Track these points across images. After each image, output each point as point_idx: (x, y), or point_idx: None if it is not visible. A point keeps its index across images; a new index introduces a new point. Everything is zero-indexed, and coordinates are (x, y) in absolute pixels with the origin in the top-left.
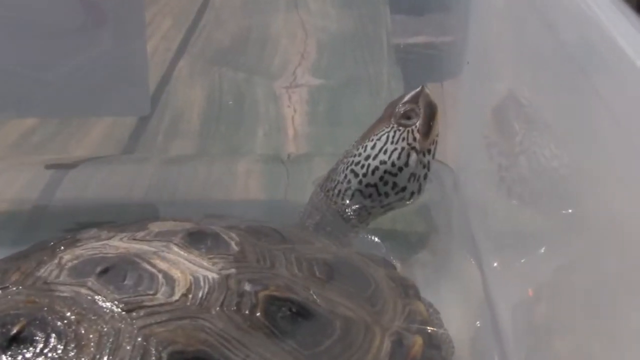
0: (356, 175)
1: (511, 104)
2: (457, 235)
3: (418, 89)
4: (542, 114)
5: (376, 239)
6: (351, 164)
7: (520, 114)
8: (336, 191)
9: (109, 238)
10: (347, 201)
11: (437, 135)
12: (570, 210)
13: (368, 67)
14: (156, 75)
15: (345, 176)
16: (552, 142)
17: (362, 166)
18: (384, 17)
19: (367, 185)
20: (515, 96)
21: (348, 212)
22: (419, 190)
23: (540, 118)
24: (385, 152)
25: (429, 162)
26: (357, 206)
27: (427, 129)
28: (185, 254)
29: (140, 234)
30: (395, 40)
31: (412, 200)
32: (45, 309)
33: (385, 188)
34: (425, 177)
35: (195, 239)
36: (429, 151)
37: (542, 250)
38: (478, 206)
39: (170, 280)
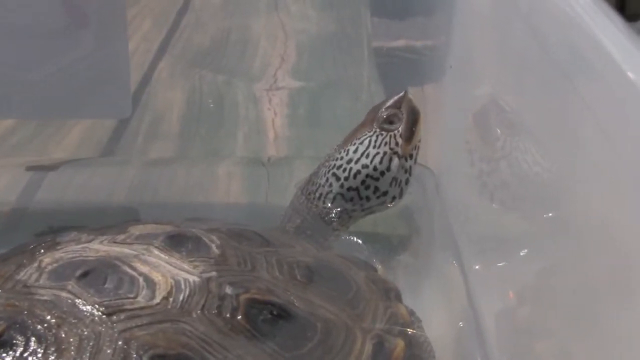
0: (338, 178)
1: (493, 109)
2: (439, 239)
3: (401, 94)
4: (525, 119)
5: (357, 242)
6: (333, 168)
7: (501, 119)
8: (317, 194)
9: (89, 241)
10: (329, 204)
11: (419, 141)
12: (551, 215)
13: (348, 69)
14: (136, 77)
15: (327, 179)
16: (534, 148)
17: (344, 170)
18: (365, 19)
19: (349, 189)
20: (497, 101)
21: (329, 215)
22: (401, 195)
23: (523, 123)
24: (367, 156)
25: (410, 167)
26: (338, 209)
27: (410, 134)
28: (166, 257)
29: (120, 237)
30: (376, 43)
31: (393, 204)
32: (25, 312)
33: (367, 192)
34: (407, 181)
35: (176, 242)
36: (410, 156)
37: (524, 254)
38: (460, 210)
39: (151, 284)
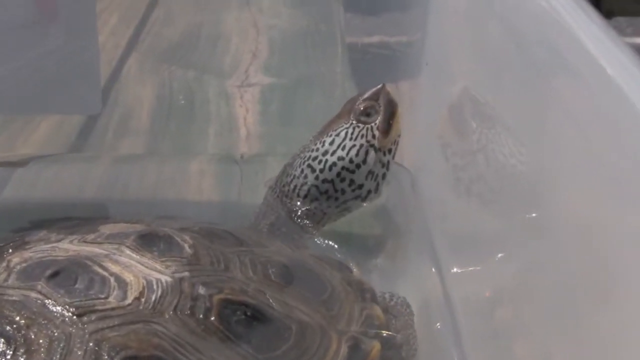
0: (313, 170)
1: (467, 102)
2: (416, 239)
3: (379, 86)
4: (501, 114)
5: (332, 243)
6: (308, 159)
7: (476, 112)
8: (292, 186)
9: (59, 240)
10: (302, 198)
11: (398, 136)
12: (531, 212)
13: (321, 66)
14: (105, 72)
15: (302, 171)
16: (511, 140)
17: (320, 161)
18: (338, 15)
19: (324, 181)
20: (472, 94)
21: (303, 209)
22: (376, 190)
23: (499, 117)
24: (343, 149)
25: (388, 162)
26: (313, 205)
27: (387, 127)
28: (138, 257)
29: (91, 236)
30: (350, 39)
31: (368, 199)
32: None
33: (342, 185)
34: (384, 176)
35: (148, 242)
36: (389, 151)
37: (502, 253)
38: (437, 208)
39: (122, 284)
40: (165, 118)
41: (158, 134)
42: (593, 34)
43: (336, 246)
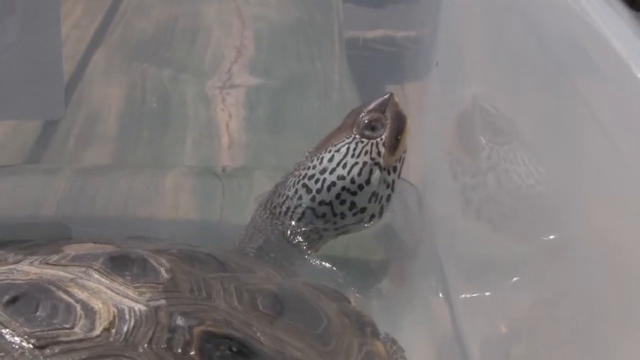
0: (309, 190)
1: (480, 112)
2: (422, 263)
3: (385, 96)
4: (516, 124)
5: (329, 265)
6: (304, 178)
7: (488, 124)
8: (284, 208)
9: (17, 262)
10: (296, 221)
11: (404, 152)
12: (548, 235)
13: (316, 64)
14: (67, 70)
15: (296, 191)
16: (527, 157)
17: (317, 181)
18: (336, 5)
19: (321, 202)
20: (486, 102)
21: (297, 234)
22: (381, 213)
23: (513, 129)
24: (344, 166)
25: (393, 182)
26: (307, 228)
27: (394, 143)
28: (108, 282)
29: (53, 258)
30: (349, 34)
31: (371, 223)
32: None
33: (342, 208)
34: (389, 198)
35: (119, 265)
36: (394, 169)
37: (518, 280)
38: (445, 230)
39: (90, 312)
40: (136, 124)
41: (128, 142)
42: (620, 30)
43: (334, 268)
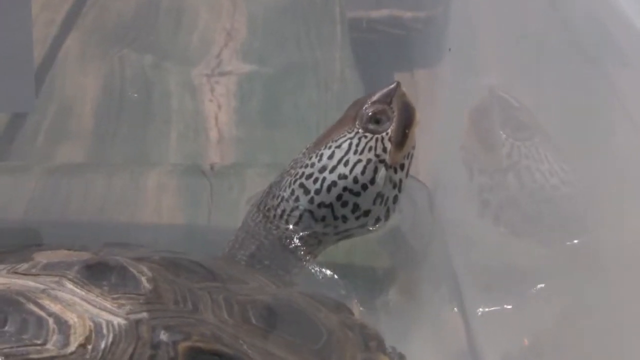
0: (307, 191)
1: (498, 103)
2: (434, 271)
3: (392, 86)
4: (539, 118)
5: (330, 273)
6: (301, 177)
7: (507, 119)
8: (279, 211)
9: None
10: (292, 225)
11: (413, 147)
12: (577, 240)
13: (315, 50)
14: (36, 58)
15: (293, 192)
16: (551, 154)
17: (315, 180)
18: None
19: (321, 205)
20: (502, 95)
21: (293, 239)
22: (387, 216)
23: (535, 123)
24: (346, 164)
25: (400, 181)
26: (305, 232)
27: (402, 138)
28: (83, 293)
29: (23, 266)
30: (352, 15)
31: (376, 227)
32: None
33: (344, 210)
34: (395, 199)
35: (96, 274)
36: (401, 167)
37: (543, 291)
38: (460, 235)
39: (64, 327)
40: (114, 117)
41: (105, 138)
42: None
43: (335, 277)
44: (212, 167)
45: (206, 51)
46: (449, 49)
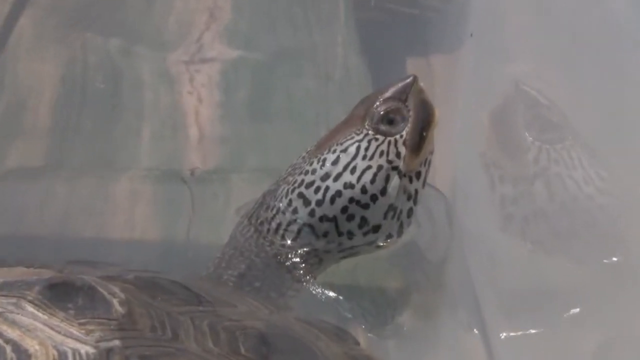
0: (307, 202)
1: (525, 99)
2: (452, 292)
3: (407, 80)
4: (573, 117)
5: (332, 294)
6: (300, 186)
7: (533, 118)
8: (274, 225)
9: None
10: (289, 241)
11: (431, 153)
12: (615, 258)
13: (313, 32)
14: None
15: (290, 203)
16: (586, 159)
17: (317, 189)
18: None
19: (323, 218)
20: (527, 90)
21: (290, 258)
22: (399, 233)
23: (567, 123)
24: (353, 171)
25: (416, 192)
26: (304, 249)
27: (418, 141)
28: (46, 317)
29: None
30: None
31: (386, 244)
32: None
33: (349, 225)
34: (410, 213)
35: (60, 295)
36: (417, 175)
37: (577, 314)
38: (482, 250)
39: (23, 356)
40: (77, 112)
41: (66, 137)
42: None
43: (339, 298)
44: (192, 172)
45: (185, 34)
46: (471, 34)
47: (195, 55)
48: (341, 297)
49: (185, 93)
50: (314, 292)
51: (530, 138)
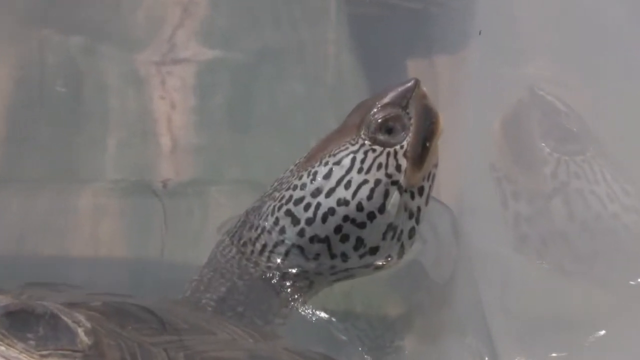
0: (295, 220)
1: (535, 109)
2: (460, 315)
3: (408, 84)
4: (596, 126)
5: (325, 315)
6: (288, 202)
7: (550, 126)
8: (258, 246)
9: None
10: (278, 260)
11: (435, 166)
12: None
13: (300, 29)
14: None
15: (277, 221)
16: (610, 173)
17: (307, 206)
18: None
19: (314, 239)
20: (543, 96)
21: (277, 280)
22: (399, 254)
23: (589, 132)
24: (347, 186)
25: (419, 210)
26: (293, 271)
27: (421, 152)
28: (3, 348)
29: None
30: None
31: (385, 267)
32: None
33: (344, 246)
34: (412, 233)
35: (19, 323)
36: (420, 191)
37: (600, 341)
38: (492, 270)
39: None
40: (34, 118)
41: (22, 146)
42: None
43: (333, 320)
44: (164, 185)
45: (155, 31)
46: (479, 32)
47: (167, 55)
48: (334, 319)
49: (156, 97)
50: (305, 312)
51: (548, 149)
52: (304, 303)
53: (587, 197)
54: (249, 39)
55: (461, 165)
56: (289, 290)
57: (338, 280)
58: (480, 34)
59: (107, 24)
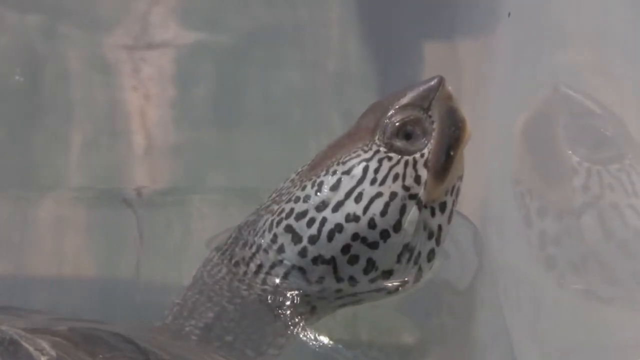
0: (297, 238)
1: (564, 110)
2: (483, 341)
3: (432, 83)
4: (633, 128)
5: (329, 342)
6: (288, 217)
7: (582, 131)
8: (253, 266)
9: None
10: (276, 282)
11: (460, 178)
12: None
13: (298, 7)
14: None
15: (275, 238)
16: None
17: (311, 222)
18: None
19: (317, 260)
20: (572, 95)
21: (274, 305)
22: (416, 279)
23: (627, 138)
24: (358, 199)
25: (440, 229)
26: (292, 294)
27: (444, 162)
28: None
29: None
30: None
31: (399, 292)
32: None
33: (352, 269)
34: (431, 256)
35: None
36: (442, 207)
37: None
38: (520, 295)
39: None
40: None
41: None
42: None
43: (339, 347)
44: (138, 193)
45: (126, 9)
46: (509, 14)
47: (140, 37)
48: (340, 346)
49: (127, 88)
50: (306, 337)
51: (576, 157)
52: (304, 329)
53: (624, 212)
54: (237, 19)
55: (484, 173)
56: (286, 316)
57: (344, 305)
58: (509, 15)
59: (69, 1)
